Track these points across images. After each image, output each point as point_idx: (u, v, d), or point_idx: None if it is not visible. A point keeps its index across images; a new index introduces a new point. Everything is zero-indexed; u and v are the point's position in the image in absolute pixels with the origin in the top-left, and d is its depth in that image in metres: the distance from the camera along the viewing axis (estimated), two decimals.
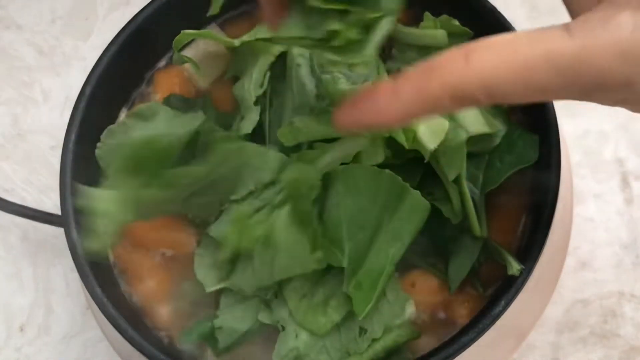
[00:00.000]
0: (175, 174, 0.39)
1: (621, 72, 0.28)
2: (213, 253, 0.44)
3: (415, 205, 0.41)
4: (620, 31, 0.28)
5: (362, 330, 0.42)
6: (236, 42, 0.46)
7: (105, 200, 0.38)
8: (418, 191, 0.41)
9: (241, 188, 0.42)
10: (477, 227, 0.43)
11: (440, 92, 0.30)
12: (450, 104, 0.30)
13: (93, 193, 0.38)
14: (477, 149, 0.44)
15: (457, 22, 0.44)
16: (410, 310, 0.43)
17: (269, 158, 0.41)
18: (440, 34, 0.44)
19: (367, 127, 0.34)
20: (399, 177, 0.41)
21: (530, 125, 0.46)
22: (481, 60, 0.29)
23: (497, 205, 0.45)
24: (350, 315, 0.42)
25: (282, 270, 0.41)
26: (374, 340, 0.42)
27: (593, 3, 0.30)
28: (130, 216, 0.38)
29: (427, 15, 0.44)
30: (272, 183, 0.41)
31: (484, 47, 0.30)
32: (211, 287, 0.43)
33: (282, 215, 0.40)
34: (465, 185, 0.44)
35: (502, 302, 0.41)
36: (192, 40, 0.50)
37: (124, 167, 0.38)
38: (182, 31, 0.46)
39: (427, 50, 0.45)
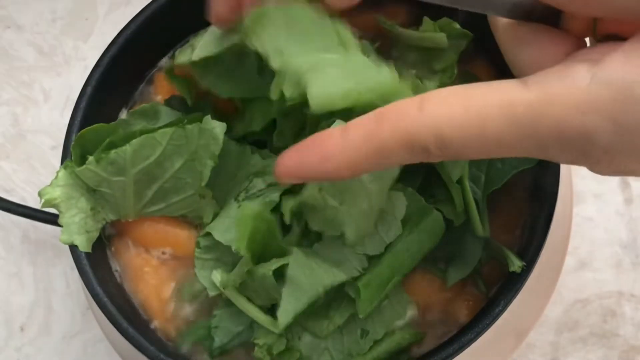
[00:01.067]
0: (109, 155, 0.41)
1: (579, 121, 0.27)
2: (214, 255, 0.44)
3: (434, 225, 0.42)
4: (577, 83, 0.27)
5: (364, 332, 0.42)
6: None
7: (49, 192, 0.42)
8: (440, 212, 0.41)
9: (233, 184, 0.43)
10: (480, 227, 0.43)
11: (390, 139, 0.29)
12: (400, 152, 0.29)
13: (42, 190, 0.42)
14: None
15: (457, 25, 0.44)
16: (411, 312, 0.43)
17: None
18: (440, 36, 0.44)
19: (312, 177, 0.31)
20: (421, 197, 0.41)
21: None
22: (435, 109, 0.28)
23: (497, 205, 0.45)
24: (352, 317, 0.42)
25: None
26: (376, 342, 0.42)
27: (549, 63, 0.29)
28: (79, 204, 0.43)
29: (426, 19, 0.44)
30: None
31: (438, 96, 0.29)
32: (214, 291, 0.43)
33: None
34: (468, 186, 0.44)
35: (502, 302, 0.41)
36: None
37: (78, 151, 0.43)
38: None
39: (427, 51, 0.45)
